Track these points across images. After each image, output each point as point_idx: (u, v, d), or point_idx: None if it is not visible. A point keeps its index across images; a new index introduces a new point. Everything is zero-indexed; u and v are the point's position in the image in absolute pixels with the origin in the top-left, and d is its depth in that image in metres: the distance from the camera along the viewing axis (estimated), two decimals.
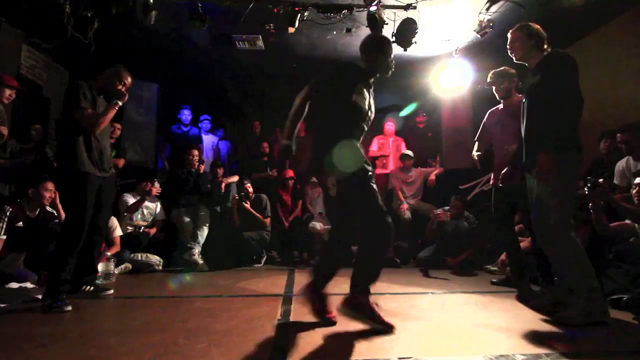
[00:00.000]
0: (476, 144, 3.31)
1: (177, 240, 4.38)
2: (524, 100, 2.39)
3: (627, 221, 2.75)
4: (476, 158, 3.28)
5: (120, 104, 2.63)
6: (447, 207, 4.45)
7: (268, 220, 4.80)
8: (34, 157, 3.95)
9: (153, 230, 4.45)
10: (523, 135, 2.40)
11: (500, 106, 3.19)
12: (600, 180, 2.42)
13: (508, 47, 2.42)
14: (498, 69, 3.13)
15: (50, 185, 3.43)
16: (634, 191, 2.70)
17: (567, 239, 2.08)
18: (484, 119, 3.28)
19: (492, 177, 3.27)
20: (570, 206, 2.20)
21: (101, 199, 2.63)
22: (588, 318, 2.00)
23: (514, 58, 2.43)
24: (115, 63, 2.72)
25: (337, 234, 2.15)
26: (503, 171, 2.93)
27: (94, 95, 2.60)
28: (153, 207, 4.51)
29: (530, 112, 2.32)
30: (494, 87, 3.13)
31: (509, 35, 2.42)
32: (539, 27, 2.34)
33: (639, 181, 2.69)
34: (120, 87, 2.66)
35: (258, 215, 4.72)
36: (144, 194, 4.34)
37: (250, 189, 4.83)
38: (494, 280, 3.34)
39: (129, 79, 2.72)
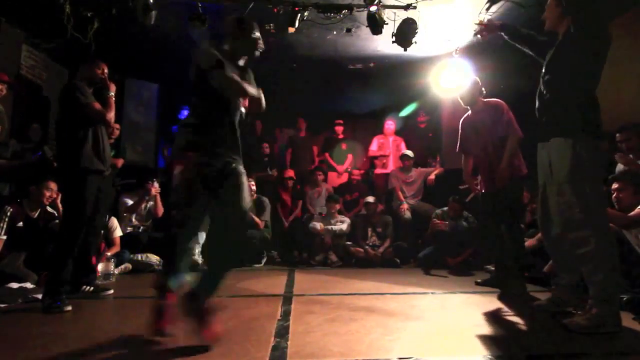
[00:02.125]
0: (463, 157, 3.36)
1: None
2: (543, 69, 2.21)
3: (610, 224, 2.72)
4: (471, 180, 3.37)
5: (113, 94, 2.73)
6: (445, 208, 4.45)
7: (262, 225, 4.74)
8: (38, 155, 3.95)
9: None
10: (537, 104, 2.23)
11: (469, 113, 3.30)
12: None
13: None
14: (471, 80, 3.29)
15: (52, 185, 3.43)
16: (613, 196, 2.68)
17: (602, 241, 1.91)
18: (460, 130, 3.36)
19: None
20: (601, 202, 2.01)
21: (99, 198, 2.65)
22: (598, 328, 1.87)
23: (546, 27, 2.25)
24: (96, 59, 2.81)
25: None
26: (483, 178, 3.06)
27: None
28: (150, 205, 4.50)
29: (550, 81, 2.15)
30: (459, 96, 3.30)
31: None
32: None
33: (617, 186, 2.67)
34: (101, 73, 2.74)
35: (254, 217, 4.67)
36: (143, 195, 4.34)
37: (254, 187, 4.82)
38: (478, 280, 3.35)
39: (106, 69, 2.81)
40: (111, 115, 2.67)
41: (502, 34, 2.50)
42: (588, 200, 1.94)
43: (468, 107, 3.31)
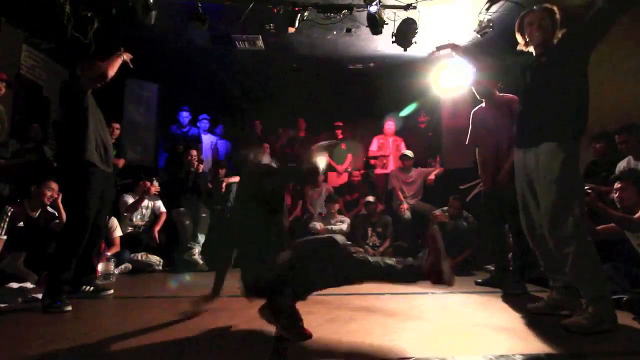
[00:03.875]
0: (478, 154, 3.26)
1: (177, 240, 4.38)
2: (527, 76, 2.22)
3: (613, 224, 2.71)
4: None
5: (121, 57, 2.64)
6: (445, 208, 4.45)
7: None
8: (38, 155, 3.94)
9: (157, 228, 4.38)
10: (525, 109, 2.24)
11: (483, 105, 3.23)
12: (587, 187, 2.39)
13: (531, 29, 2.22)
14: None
15: (53, 185, 3.43)
16: (615, 195, 2.67)
17: (583, 240, 1.95)
18: (470, 123, 3.29)
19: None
20: (582, 203, 2.06)
21: (102, 198, 2.63)
22: (598, 326, 1.88)
23: (535, 40, 2.22)
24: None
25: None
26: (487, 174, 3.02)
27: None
28: (151, 204, 4.50)
29: (537, 89, 2.17)
30: (473, 88, 3.20)
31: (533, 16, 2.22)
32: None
33: (619, 185, 2.66)
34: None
35: None
36: (143, 194, 4.34)
37: None
38: (478, 280, 3.35)
39: None
40: (109, 67, 2.51)
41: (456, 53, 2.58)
42: (573, 201, 1.99)
43: (483, 100, 3.19)
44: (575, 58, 2.07)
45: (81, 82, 2.50)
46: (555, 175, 2.02)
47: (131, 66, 2.72)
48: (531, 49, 2.26)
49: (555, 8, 2.21)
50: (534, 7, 2.23)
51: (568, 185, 2.01)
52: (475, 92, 3.22)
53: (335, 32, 4.79)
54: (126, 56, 2.67)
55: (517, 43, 2.36)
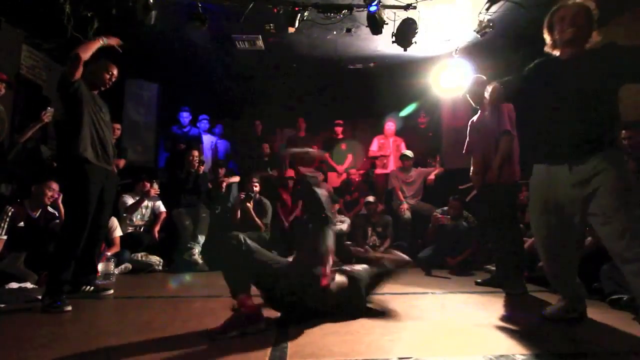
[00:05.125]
0: (472, 159, 3.27)
1: (177, 240, 4.38)
2: (558, 83, 2.00)
3: None
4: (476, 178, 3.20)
5: (103, 41, 2.58)
6: (445, 208, 4.45)
7: (263, 227, 4.70)
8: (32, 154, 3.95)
9: (157, 227, 4.39)
10: (556, 119, 2.02)
11: (477, 115, 3.28)
12: None
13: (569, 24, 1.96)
14: (473, 77, 3.27)
15: (53, 185, 3.43)
16: None
17: None
18: (468, 131, 3.34)
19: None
20: None
21: (103, 197, 2.63)
22: None
23: (566, 36, 1.97)
24: (106, 60, 2.74)
25: None
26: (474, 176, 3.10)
27: (83, 88, 2.58)
28: (151, 204, 4.50)
29: (577, 96, 1.98)
30: (468, 96, 3.26)
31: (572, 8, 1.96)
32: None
33: None
34: (107, 76, 2.70)
35: (257, 219, 4.64)
36: (142, 195, 4.34)
37: (257, 188, 4.80)
38: (478, 280, 3.36)
39: (115, 71, 2.75)
40: (84, 48, 2.46)
41: None
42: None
43: (478, 107, 3.25)
44: (613, 73, 1.93)
45: (66, 71, 2.49)
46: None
47: (120, 50, 2.69)
48: (557, 52, 2.05)
49: (591, 6, 1.95)
50: (568, 2, 1.97)
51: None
52: (471, 101, 3.27)
53: (335, 32, 4.79)
54: (114, 41, 2.62)
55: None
